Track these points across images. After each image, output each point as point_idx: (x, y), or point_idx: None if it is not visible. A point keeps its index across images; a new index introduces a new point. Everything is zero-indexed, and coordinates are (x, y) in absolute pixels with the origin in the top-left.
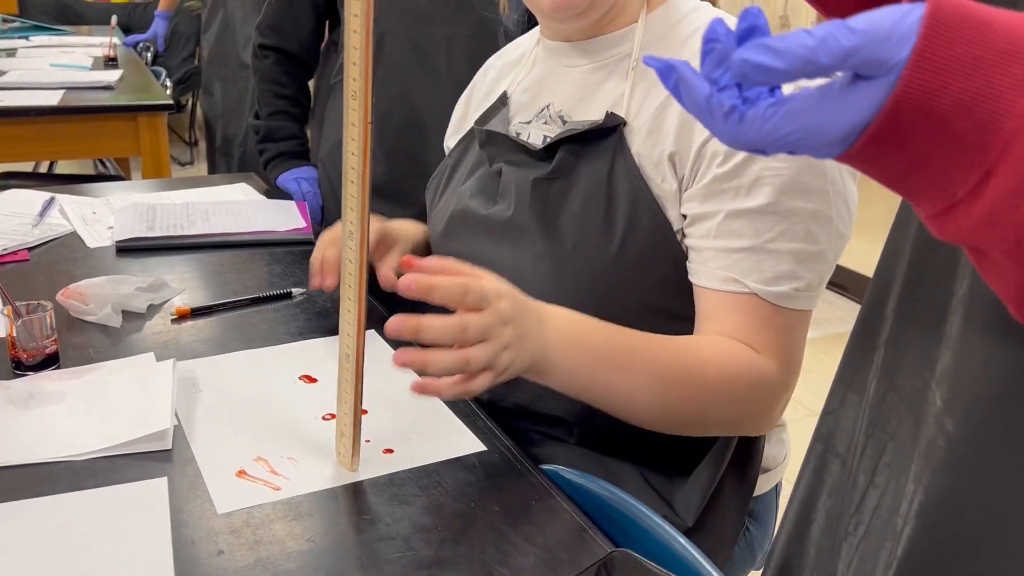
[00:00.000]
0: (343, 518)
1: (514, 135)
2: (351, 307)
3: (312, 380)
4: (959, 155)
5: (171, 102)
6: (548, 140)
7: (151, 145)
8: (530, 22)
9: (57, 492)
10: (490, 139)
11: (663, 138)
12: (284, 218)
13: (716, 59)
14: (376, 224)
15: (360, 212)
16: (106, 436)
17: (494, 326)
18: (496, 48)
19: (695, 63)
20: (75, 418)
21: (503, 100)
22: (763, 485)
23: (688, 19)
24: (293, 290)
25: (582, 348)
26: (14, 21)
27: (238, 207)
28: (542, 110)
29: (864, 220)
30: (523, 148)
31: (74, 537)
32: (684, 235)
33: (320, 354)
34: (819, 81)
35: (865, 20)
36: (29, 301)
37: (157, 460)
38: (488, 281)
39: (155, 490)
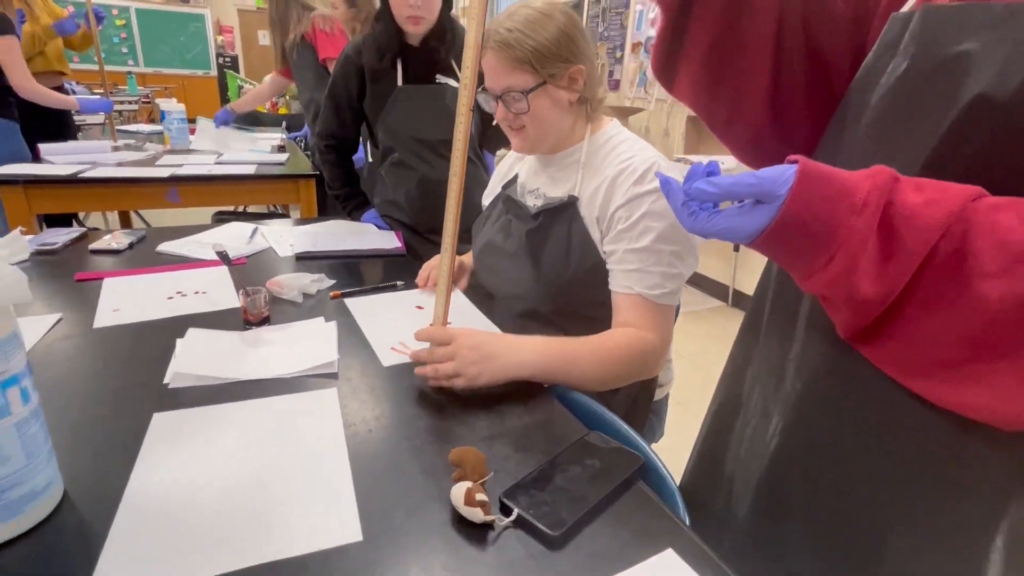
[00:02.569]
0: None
1: (520, 199)
2: (442, 289)
3: (420, 308)
4: (815, 248)
5: (316, 172)
6: (537, 208)
7: (305, 196)
8: None
9: (272, 395)
10: (509, 201)
11: (594, 208)
12: (388, 240)
13: (689, 186)
14: (457, 258)
15: (452, 229)
16: (298, 363)
17: (457, 351)
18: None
19: (611, 171)
20: (280, 353)
21: (515, 179)
22: (658, 395)
23: (613, 140)
24: (398, 283)
25: (548, 357)
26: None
27: (359, 233)
28: (533, 189)
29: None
30: (524, 209)
31: (285, 422)
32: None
33: (422, 300)
34: (737, 203)
35: (764, 171)
36: (253, 286)
37: (329, 379)
38: (460, 330)
39: (330, 396)
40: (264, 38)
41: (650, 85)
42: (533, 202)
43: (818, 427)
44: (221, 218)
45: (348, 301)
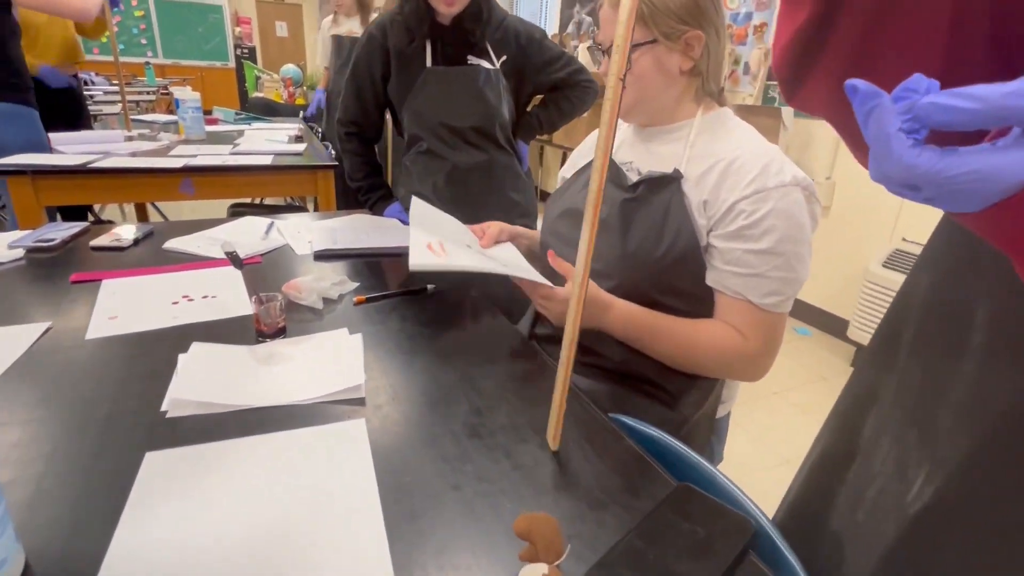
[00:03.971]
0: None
1: (618, 163)
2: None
3: None
4: None
5: (335, 163)
6: (636, 179)
7: (323, 188)
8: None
9: (287, 428)
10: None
11: (702, 191)
12: None
13: (908, 106)
14: (510, 228)
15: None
16: (318, 388)
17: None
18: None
19: (726, 154)
20: (297, 374)
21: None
22: (720, 412)
23: (728, 123)
24: (428, 286)
25: (634, 323)
26: (242, 115)
27: (381, 229)
28: (627, 162)
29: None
30: (622, 178)
31: (303, 459)
32: (706, 254)
33: None
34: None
35: None
36: (268, 292)
37: (355, 406)
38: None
39: (357, 429)
40: (281, 29)
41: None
42: (626, 173)
43: (999, 496)
44: (237, 211)
45: (374, 307)
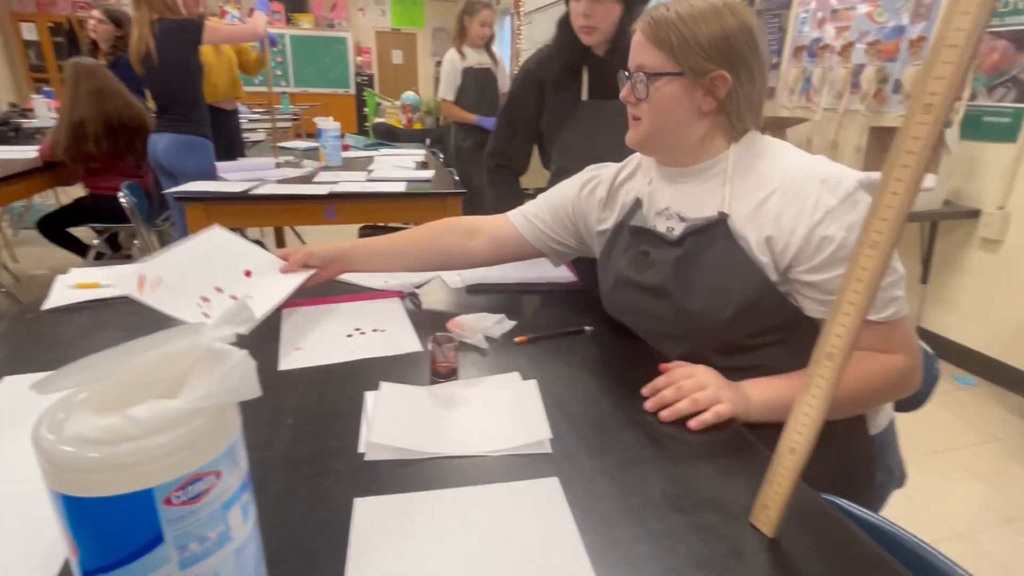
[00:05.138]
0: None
1: (650, 226)
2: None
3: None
4: None
5: (464, 191)
6: (679, 231)
7: (452, 214)
8: None
9: (481, 482)
10: (639, 232)
11: (760, 226)
12: (562, 274)
13: None
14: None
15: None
16: (505, 439)
17: (705, 380)
18: None
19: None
20: (480, 422)
21: (639, 204)
22: (874, 427)
23: (764, 148)
24: (585, 328)
25: (773, 409)
26: (371, 141)
27: (529, 262)
28: (663, 209)
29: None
30: (662, 238)
31: (505, 517)
32: (793, 290)
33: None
34: None
35: None
36: (440, 332)
37: (543, 461)
38: (695, 367)
39: (551, 488)
40: (397, 57)
41: (815, 92)
42: (667, 224)
43: None
44: (367, 233)
45: (534, 347)
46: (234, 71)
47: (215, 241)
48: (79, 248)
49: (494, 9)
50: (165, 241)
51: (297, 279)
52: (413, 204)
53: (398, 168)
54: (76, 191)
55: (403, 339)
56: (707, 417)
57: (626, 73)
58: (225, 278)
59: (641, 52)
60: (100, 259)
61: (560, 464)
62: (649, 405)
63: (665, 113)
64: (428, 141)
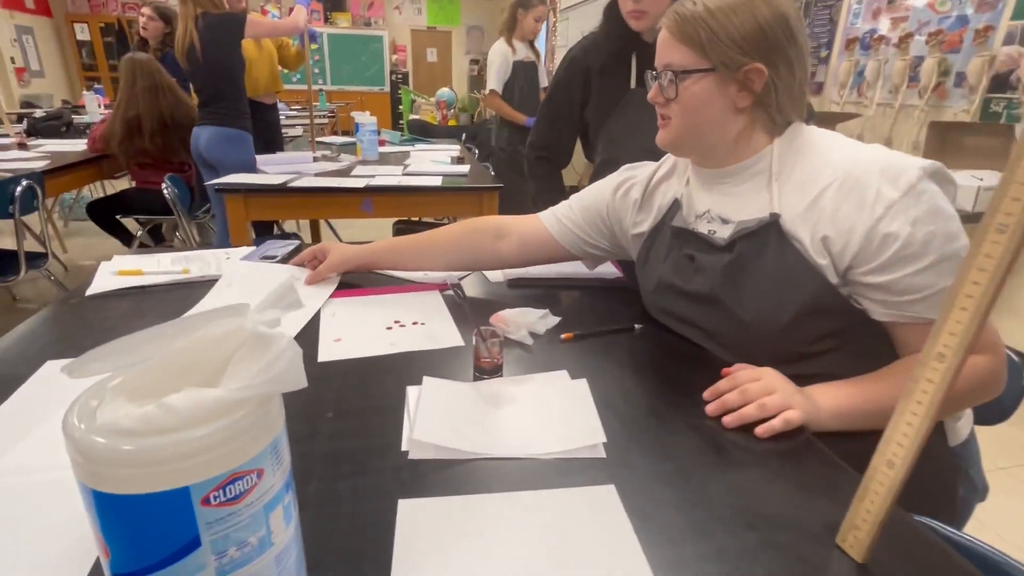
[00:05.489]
0: None
1: (692, 228)
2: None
3: None
4: None
5: (501, 185)
6: (723, 235)
7: (488, 209)
8: None
9: (532, 487)
10: (681, 234)
11: (814, 226)
12: (606, 269)
13: None
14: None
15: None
16: (556, 441)
17: (772, 384)
18: None
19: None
20: (528, 422)
21: (677, 205)
22: (954, 437)
23: (810, 140)
24: (636, 326)
25: (844, 416)
26: (407, 136)
27: None
28: (703, 212)
29: None
30: (709, 242)
31: (558, 525)
32: (856, 292)
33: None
34: None
35: None
36: (487, 326)
37: (597, 466)
38: (761, 369)
39: (606, 496)
40: (431, 55)
41: (868, 87)
42: (708, 228)
43: None
44: (401, 228)
45: (581, 345)
46: (275, 65)
47: (241, 271)
48: (125, 235)
49: (547, 5)
50: (205, 233)
51: (326, 292)
52: (449, 198)
53: (434, 163)
54: (123, 183)
55: (444, 333)
56: (776, 424)
57: (653, 73)
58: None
59: (668, 50)
60: (143, 250)
61: (616, 470)
62: (711, 409)
63: (697, 112)
64: (464, 137)
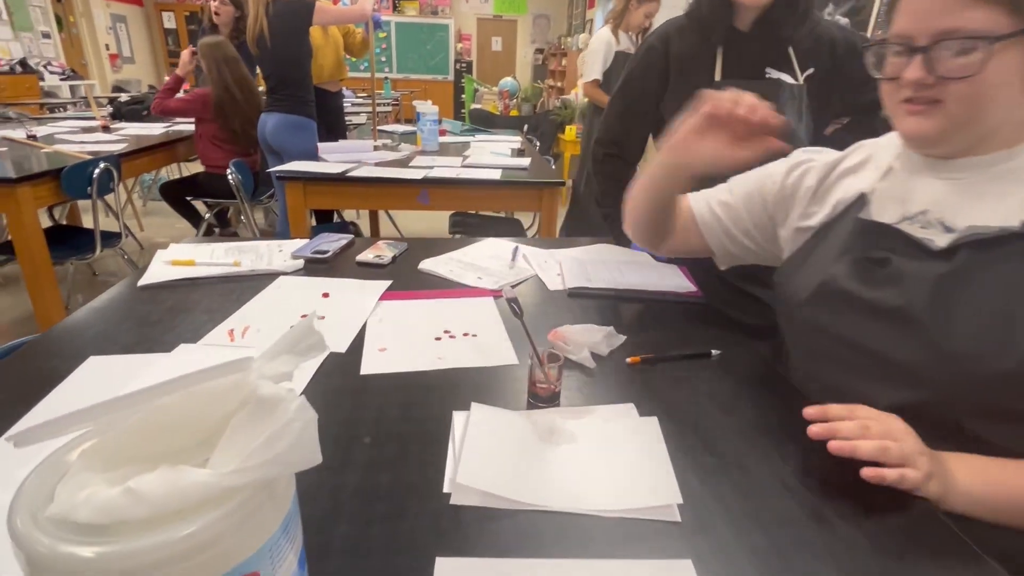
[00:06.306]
0: None
1: (900, 228)
2: None
3: None
4: None
5: (563, 180)
6: (942, 243)
7: (548, 206)
8: None
9: (591, 555)
10: (878, 231)
11: None
12: (678, 282)
13: None
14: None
15: None
16: (621, 497)
17: (896, 429)
18: None
19: None
20: (589, 468)
21: (863, 200)
22: None
23: None
24: (713, 351)
25: (985, 500)
26: (468, 126)
27: (635, 265)
28: (916, 215)
29: None
30: (917, 244)
31: None
32: None
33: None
34: None
35: None
36: (547, 351)
37: (671, 532)
38: (887, 415)
39: (684, 571)
40: (496, 44)
41: None
42: (922, 233)
43: None
44: (458, 220)
45: (650, 370)
46: (340, 53)
47: (283, 285)
48: (195, 217)
49: (660, 3)
50: (268, 217)
51: (376, 292)
52: (508, 192)
53: (494, 155)
54: (196, 166)
55: (496, 348)
56: (889, 475)
57: (907, 49)
58: (304, 307)
59: (954, 12)
60: (210, 234)
61: (694, 540)
62: (815, 431)
63: (995, 90)
64: (526, 128)
